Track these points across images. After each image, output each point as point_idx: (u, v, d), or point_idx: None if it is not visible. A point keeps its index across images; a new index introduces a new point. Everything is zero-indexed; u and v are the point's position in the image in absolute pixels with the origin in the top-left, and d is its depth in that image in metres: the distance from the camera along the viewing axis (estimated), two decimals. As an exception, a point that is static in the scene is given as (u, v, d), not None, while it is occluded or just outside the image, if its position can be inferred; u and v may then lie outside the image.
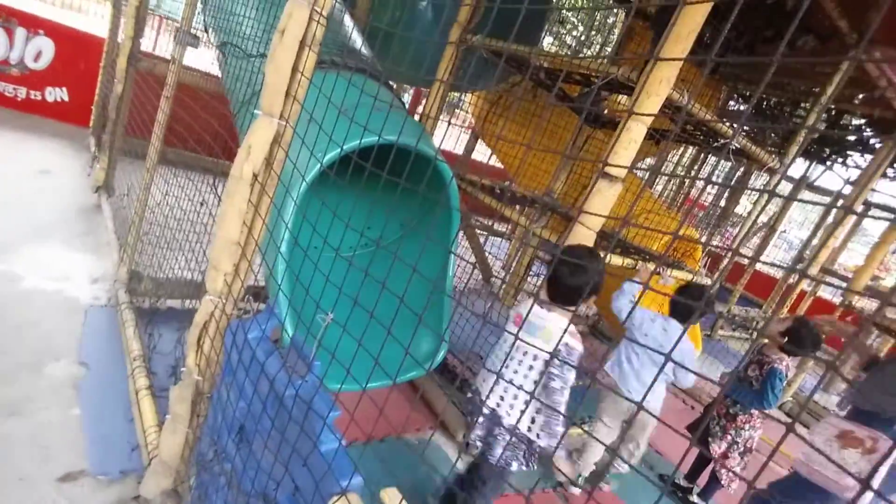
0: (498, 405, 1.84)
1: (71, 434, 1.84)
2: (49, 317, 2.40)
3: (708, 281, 3.10)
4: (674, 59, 1.99)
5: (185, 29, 2.39)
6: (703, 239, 4.26)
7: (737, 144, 2.71)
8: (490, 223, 6.85)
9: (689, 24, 1.95)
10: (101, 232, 3.35)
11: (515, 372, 1.84)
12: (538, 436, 1.81)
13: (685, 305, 2.44)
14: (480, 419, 1.88)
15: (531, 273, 4.48)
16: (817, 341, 2.59)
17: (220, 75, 2.83)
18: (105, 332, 2.44)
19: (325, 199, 2.17)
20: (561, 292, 1.81)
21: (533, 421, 1.82)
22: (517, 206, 3.20)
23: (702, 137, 3.24)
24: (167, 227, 2.55)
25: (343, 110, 1.30)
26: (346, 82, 1.41)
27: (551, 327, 1.80)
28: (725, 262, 2.99)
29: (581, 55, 5.99)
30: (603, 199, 2.17)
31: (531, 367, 1.83)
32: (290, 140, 1.32)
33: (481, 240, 5.45)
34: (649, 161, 5.99)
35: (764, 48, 3.13)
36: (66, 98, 5.08)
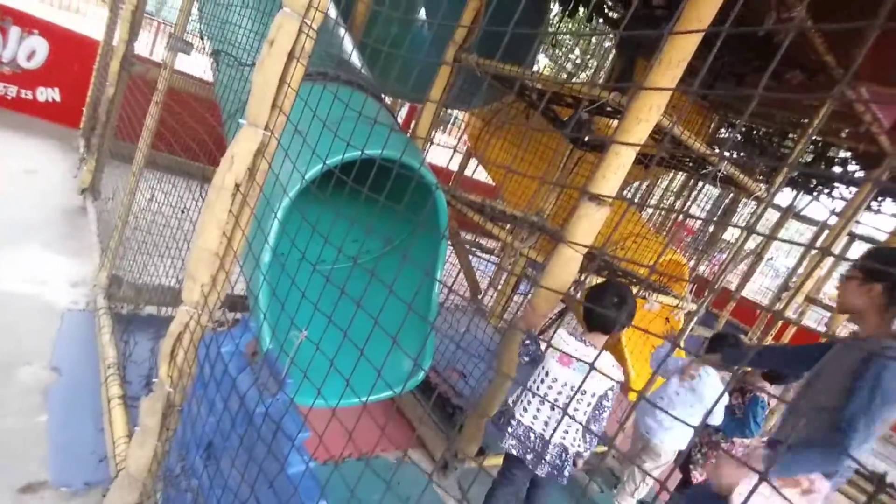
0: (563, 438, 2.00)
1: (36, 442, 1.78)
2: (24, 320, 2.34)
3: (693, 307, 3.11)
4: (656, 89, 2.01)
5: (177, 35, 2.38)
6: (691, 264, 4.28)
7: (724, 172, 2.74)
8: (474, 238, 6.84)
9: (679, 53, 1.97)
10: (85, 235, 3.30)
11: (576, 409, 1.99)
12: (586, 449, 2.05)
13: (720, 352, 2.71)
14: (548, 456, 2.02)
15: (518, 292, 4.47)
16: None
17: (212, 83, 2.83)
18: (81, 337, 2.39)
19: (311, 209, 2.15)
20: (602, 323, 2.04)
21: (584, 439, 2.05)
22: (507, 225, 3.20)
23: (691, 164, 3.27)
24: (150, 232, 2.52)
25: (330, 126, 1.29)
26: (332, 95, 1.39)
27: (602, 366, 1.98)
28: (707, 292, 3.00)
29: (576, 79, 6.06)
30: (591, 222, 2.17)
31: (589, 404, 2.00)
32: (275, 151, 1.30)
33: (468, 256, 5.43)
34: (637, 185, 6.03)
35: (754, 78, 3.18)
36: (57, 99, 5.04)
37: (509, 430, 2.00)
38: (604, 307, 1.99)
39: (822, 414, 1.74)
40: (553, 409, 1.96)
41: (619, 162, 2.07)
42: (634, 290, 2.74)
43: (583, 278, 2.31)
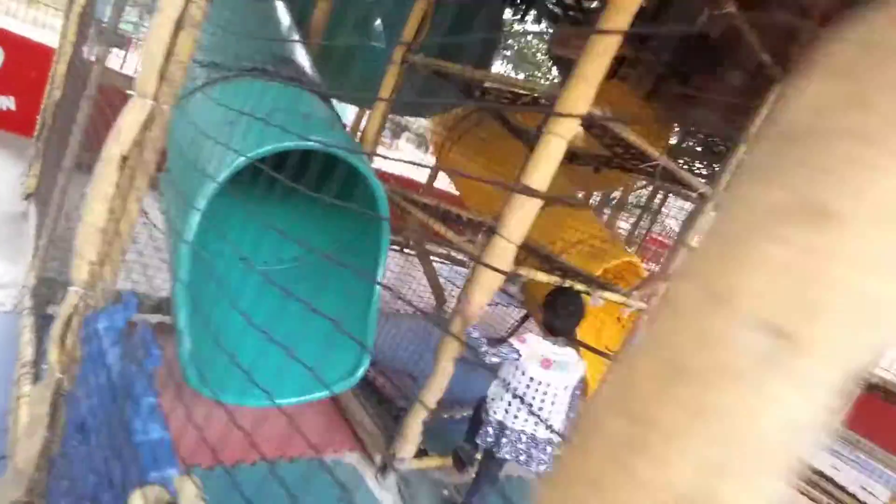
0: (551, 433, 2.20)
1: (-68, 444, 1.69)
2: (-59, 321, 2.25)
3: (642, 304, 3.10)
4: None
5: (109, 28, 2.35)
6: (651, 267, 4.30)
7: (668, 167, 2.76)
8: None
9: (603, 43, 2.00)
10: (24, 240, 3.21)
11: (552, 403, 2.19)
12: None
13: None
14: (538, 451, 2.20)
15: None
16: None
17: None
18: (1, 340, 2.29)
19: (247, 203, 2.10)
20: (564, 327, 2.24)
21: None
22: (466, 231, 3.18)
23: (647, 167, 3.30)
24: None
25: (259, 116, 1.26)
26: (264, 88, 1.36)
27: (574, 361, 2.24)
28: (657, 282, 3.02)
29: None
30: (524, 213, 2.16)
31: (569, 395, 2.24)
32: (165, 124, 1.27)
33: (432, 264, 5.40)
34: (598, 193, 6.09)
35: (697, 79, 3.24)
36: (12, 107, 4.96)
37: (503, 440, 2.16)
38: (559, 315, 2.23)
39: None
40: (541, 409, 2.18)
41: (549, 152, 2.07)
42: (581, 287, 2.76)
43: (519, 272, 2.29)
